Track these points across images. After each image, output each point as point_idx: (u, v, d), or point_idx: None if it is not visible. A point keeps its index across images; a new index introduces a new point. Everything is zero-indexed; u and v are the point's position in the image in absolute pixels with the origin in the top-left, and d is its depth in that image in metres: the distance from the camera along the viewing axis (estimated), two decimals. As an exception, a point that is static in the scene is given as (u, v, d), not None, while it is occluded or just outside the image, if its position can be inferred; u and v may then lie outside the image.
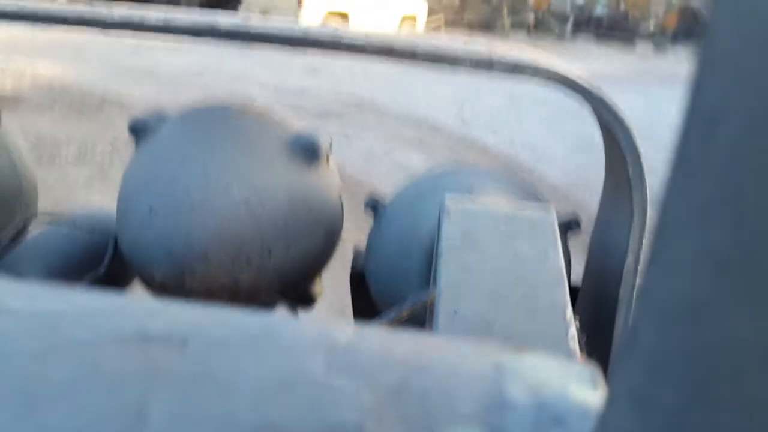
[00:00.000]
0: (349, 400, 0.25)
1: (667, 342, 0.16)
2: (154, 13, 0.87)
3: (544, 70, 0.80)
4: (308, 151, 0.99)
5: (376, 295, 1.03)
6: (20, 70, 6.83)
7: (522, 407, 0.26)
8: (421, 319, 0.74)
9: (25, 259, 1.02)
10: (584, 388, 0.27)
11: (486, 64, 0.80)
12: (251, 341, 0.28)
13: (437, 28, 15.83)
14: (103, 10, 0.87)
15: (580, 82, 0.80)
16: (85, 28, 0.86)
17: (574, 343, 0.52)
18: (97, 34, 0.89)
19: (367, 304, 1.06)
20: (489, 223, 0.67)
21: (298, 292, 1.06)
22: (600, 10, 19.82)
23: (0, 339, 0.28)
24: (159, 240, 0.93)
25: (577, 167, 4.87)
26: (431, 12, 15.89)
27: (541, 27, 18.70)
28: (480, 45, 0.85)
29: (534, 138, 6.08)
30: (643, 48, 17.49)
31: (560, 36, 18.23)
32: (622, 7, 20.00)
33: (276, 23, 0.88)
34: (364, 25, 12.90)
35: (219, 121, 0.99)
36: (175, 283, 0.94)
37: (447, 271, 0.59)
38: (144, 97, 6.22)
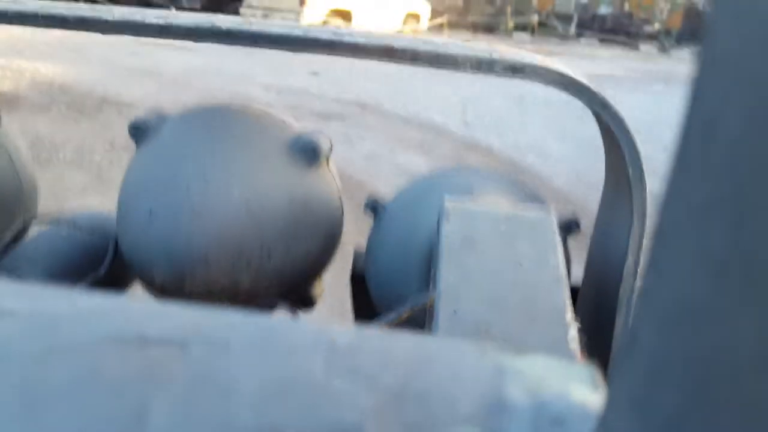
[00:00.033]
0: (349, 401, 0.25)
1: (667, 344, 0.16)
2: (155, 14, 0.87)
3: (544, 71, 0.80)
4: (308, 153, 0.99)
5: (375, 297, 1.03)
6: (20, 69, 6.82)
7: (522, 408, 0.26)
8: (420, 320, 0.74)
9: (25, 261, 1.02)
10: (584, 390, 0.27)
11: (487, 65, 0.80)
12: (251, 343, 0.28)
13: (440, 29, 15.83)
14: (103, 11, 0.87)
15: (580, 82, 0.80)
16: (85, 29, 0.85)
17: (574, 345, 0.52)
18: (97, 34, 0.89)
19: (366, 305, 1.06)
20: (489, 224, 0.67)
21: (298, 294, 1.06)
22: (604, 10, 19.74)
23: None
24: (159, 242, 0.93)
25: (581, 169, 4.87)
26: (434, 13, 15.89)
27: (544, 28, 18.67)
28: (480, 46, 0.85)
29: (538, 140, 6.05)
30: (648, 48, 17.42)
31: (564, 37, 18.19)
32: (626, 7, 19.94)
33: (276, 24, 0.88)
34: (367, 23, 12.84)
35: (219, 123, 0.99)
36: (175, 285, 0.94)
37: (447, 272, 0.59)
38: (144, 97, 6.21)
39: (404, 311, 0.74)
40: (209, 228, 0.92)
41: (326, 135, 1.04)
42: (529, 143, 5.93)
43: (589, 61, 12.66)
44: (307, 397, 0.25)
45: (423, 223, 0.93)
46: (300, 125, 1.06)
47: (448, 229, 0.66)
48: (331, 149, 1.03)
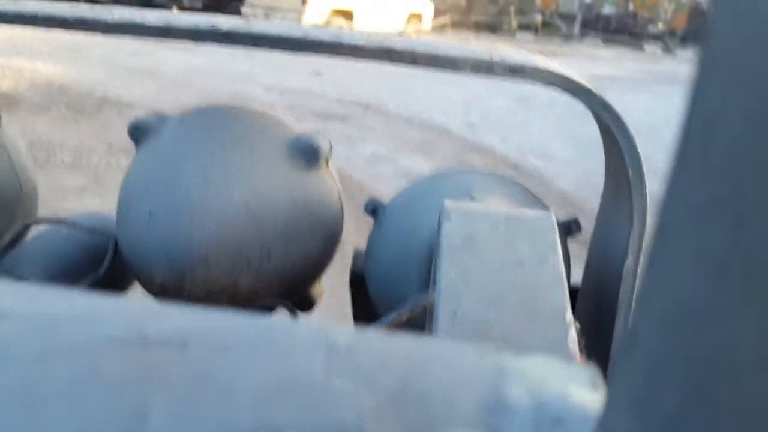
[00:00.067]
0: (348, 402, 0.25)
1: (667, 344, 0.16)
2: (155, 16, 0.87)
3: (544, 72, 0.80)
4: (308, 154, 0.99)
5: (375, 298, 1.03)
6: (19, 69, 6.81)
7: (522, 409, 0.26)
8: (420, 321, 0.74)
9: (24, 261, 1.02)
10: (584, 390, 0.27)
11: (486, 67, 0.80)
12: (251, 344, 0.28)
13: (443, 28, 15.80)
14: (103, 13, 0.87)
15: (580, 84, 0.80)
16: (85, 30, 0.86)
17: (573, 345, 0.52)
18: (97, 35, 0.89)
19: (366, 306, 1.06)
20: (489, 225, 0.67)
21: (297, 295, 1.06)
22: (608, 10, 19.63)
23: None
24: (159, 243, 0.93)
25: (585, 170, 4.85)
26: (437, 12, 15.85)
27: (548, 28, 18.61)
28: (480, 47, 0.85)
29: (541, 141, 6.03)
30: (652, 49, 17.33)
31: (568, 37, 18.13)
32: (631, 7, 19.85)
33: (276, 25, 0.88)
34: (369, 23, 12.80)
35: (219, 124, 0.99)
36: (175, 285, 0.94)
37: (447, 273, 0.59)
38: (144, 98, 6.21)
39: (404, 312, 0.74)
40: (209, 228, 0.92)
41: (326, 136, 1.04)
42: (532, 144, 5.90)
43: (592, 62, 12.62)
44: (306, 397, 0.25)
45: (423, 223, 0.93)
46: (300, 126, 1.06)
47: (448, 230, 0.66)
48: (330, 150, 1.03)
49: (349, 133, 5.70)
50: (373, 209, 1.05)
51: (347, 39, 0.83)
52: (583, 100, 0.80)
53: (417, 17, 14.38)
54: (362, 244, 1.09)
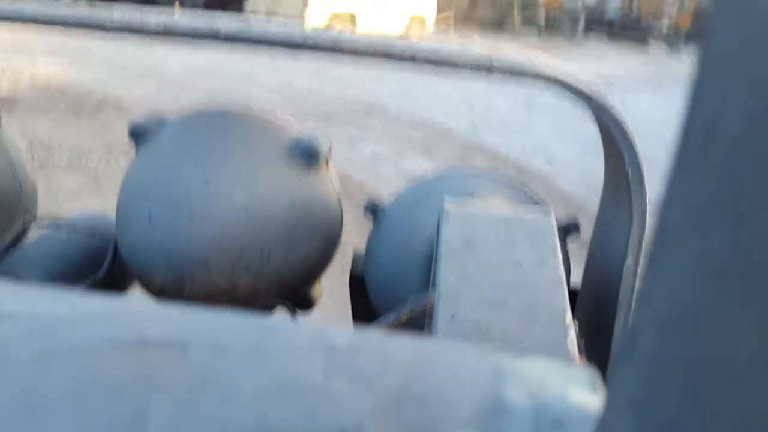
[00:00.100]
0: (348, 403, 0.25)
1: (667, 346, 0.16)
2: (154, 17, 0.87)
3: (543, 74, 0.80)
4: (307, 155, 0.99)
5: (375, 299, 1.03)
6: (19, 69, 6.81)
7: (521, 411, 0.26)
8: (420, 323, 0.74)
9: (24, 263, 1.02)
10: (583, 392, 0.27)
11: (486, 68, 0.80)
12: (250, 345, 0.28)
13: (446, 28, 15.77)
14: (102, 14, 0.87)
15: (579, 84, 0.80)
16: (84, 31, 0.86)
17: (573, 347, 0.52)
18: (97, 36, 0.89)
19: (366, 307, 1.06)
20: (488, 226, 0.67)
21: (297, 296, 1.06)
22: (612, 9, 19.54)
23: None
24: (158, 246, 0.93)
25: (589, 172, 4.82)
26: (440, 10, 15.81)
27: (552, 26, 18.55)
28: (480, 48, 0.85)
29: (545, 142, 5.99)
30: (657, 48, 17.21)
31: (572, 36, 18.03)
32: (635, 6, 19.78)
33: (276, 27, 0.88)
34: (371, 25, 12.78)
35: (218, 126, 0.99)
36: (175, 287, 0.94)
37: (446, 274, 0.59)
38: (145, 98, 6.20)
39: (404, 313, 0.74)
40: (209, 231, 0.92)
41: (325, 137, 1.04)
42: (535, 145, 5.86)
43: (597, 61, 12.56)
44: (306, 399, 0.25)
45: (422, 225, 0.93)
46: (299, 127, 1.06)
47: (447, 231, 0.66)
48: (330, 151, 1.03)
49: (350, 134, 5.69)
50: (373, 210, 1.05)
51: (346, 41, 0.83)
52: (583, 101, 0.80)
53: (419, 20, 14.37)
54: (363, 246, 1.09)
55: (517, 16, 18.11)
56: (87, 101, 5.95)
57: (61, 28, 0.85)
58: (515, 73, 0.80)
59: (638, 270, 0.85)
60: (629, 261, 0.84)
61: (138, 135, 1.01)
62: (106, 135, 4.89)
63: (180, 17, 0.90)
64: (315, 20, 12.00)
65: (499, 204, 0.93)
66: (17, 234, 1.06)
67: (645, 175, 0.82)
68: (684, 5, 18.88)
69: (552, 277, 0.60)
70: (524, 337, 0.53)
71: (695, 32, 17.99)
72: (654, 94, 9.04)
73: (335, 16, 12.52)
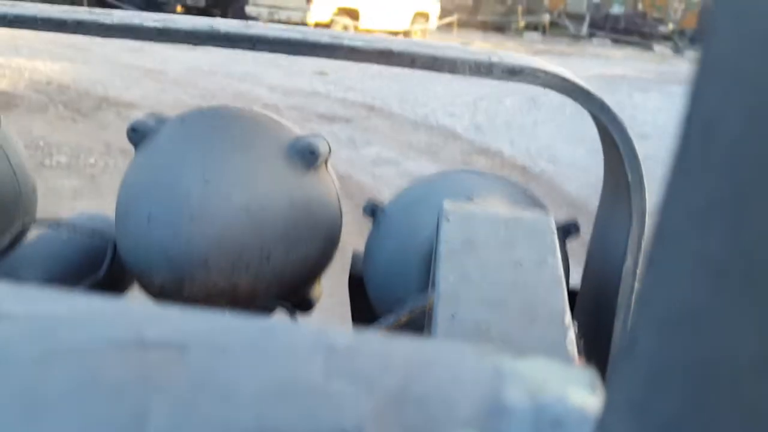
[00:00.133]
0: (348, 404, 0.25)
1: (666, 346, 0.16)
2: (153, 18, 0.87)
3: (542, 74, 0.80)
4: (307, 156, 0.99)
5: (374, 300, 1.03)
6: (18, 68, 6.79)
7: (521, 411, 0.26)
8: (419, 323, 0.74)
9: (24, 263, 1.02)
10: (583, 392, 0.27)
11: (485, 69, 0.80)
12: (250, 346, 0.28)
13: (450, 28, 15.75)
14: (101, 15, 0.87)
15: (578, 85, 0.80)
16: (83, 33, 0.85)
17: (572, 347, 0.52)
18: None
19: (366, 308, 1.06)
20: (488, 227, 0.67)
21: (297, 297, 1.06)
22: (617, 10, 19.37)
23: None
24: (158, 247, 0.93)
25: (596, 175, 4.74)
26: (444, 11, 15.76)
27: (556, 27, 18.48)
28: (479, 49, 0.85)
29: (550, 143, 5.94)
30: (662, 49, 17.10)
31: (576, 37, 17.98)
32: (640, 7, 19.64)
33: (275, 28, 0.88)
34: (374, 21, 12.69)
35: (218, 126, 0.99)
36: (175, 288, 0.94)
37: (446, 275, 0.59)
38: (145, 98, 6.19)
39: (403, 314, 0.74)
40: (208, 231, 0.92)
41: (326, 137, 1.04)
42: (540, 147, 5.81)
43: (601, 62, 12.51)
44: (306, 399, 0.25)
45: (422, 225, 0.93)
46: (298, 128, 1.06)
47: (447, 232, 0.66)
48: (329, 152, 1.03)
49: (353, 135, 5.67)
50: (372, 211, 1.05)
51: (346, 41, 0.83)
52: (581, 101, 0.80)
53: (423, 16, 14.29)
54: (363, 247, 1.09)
55: (521, 18, 18.07)
56: (86, 101, 5.93)
57: (61, 30, 0.85)
58: (515, 73, 0.80)
59: (638, 270, 0.85)
60: (629, 261, 0.85)
61: (137, 135, 1.01)
62: (104, 135, 4.88)
63: (180, 17, 0.90)
64: (318, 16, 11.92)
65: (499, 204, 0.93)
66: (16, 234, 1.06)
67: (644, 175, 0.82)
68: (689, 6, 18.76)
69: (551, 277, 0.60)
70: (524, 337, 0.53)
71: (700, 33, 17.82)
72: (661, 93, 9.02)
73: (339, 12, 12.44)
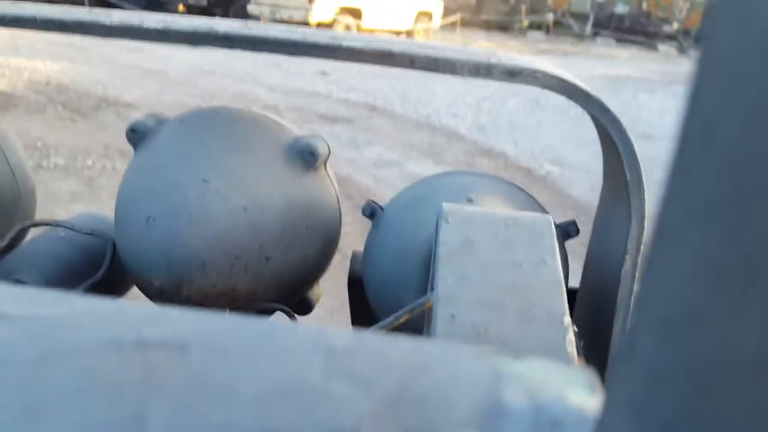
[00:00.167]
0: (347, 405, 0.25)
1: (665, 347, 0.16)
2: (153, 19, 0.87)
3: (541, 75, 0.80)
4: (306, 157, 0.99)
5: (374, 301, 1.03)
6: (17, 68, 6.78)
7: (520, 412, 0.26)
8: (419, 324, 0.74)
9: (23, 264, 1.02)
10: (582, 393, 0.27)
11: (485, 70, 0.80)
12: (249, 347, 0.28)
13: (453, 27, 15.72)
14: (101, 16, 0.87)
15: (578, 86, 0.80)
16: (83, 33, 0.85)
17: (571, 348, 0.52)
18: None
19: (365, 309, 1.06)
20: (487, 228, 0.67)
21: (296, 298, 1.06)
22: (621, 9, 19.20)
23: None
24: (157, 249, 0.93)
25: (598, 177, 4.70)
26: (447, 11, 15.70)
27: (560, 27, 18.41)
28: (479, 49, 0.85)
29: (554, 144, 5.91)
30: (666, 49, 17.04)
31: (580, 36, 17.91)
32: (644, 6, 19.54)
33: (275, 28, 0.88)
34: (377, 21, 12.63)
35: (217, 127, 0.99)
36: (173, 289, 0.94)
37: (445, 276, 0.59)
38: (145, 98, 6.17)
39: (402, 314, 0.74)
40: (208, 235, 0.92)
41: (326, 138, 1.04)
42: (544, 148, 5.76)
43: (605, 62, 12.46)
44: (305, 400, 0.25)
45: (421, 227, 0.93)
46: (298, 129, 1.06)
47: (446, 233, 0.66)
48: (329, 153, 1.03)
49: (354, 135, 5.65)
50: (371, 212, 1.05)
51: (345, 42, 0.83)
52: (581, 102, 0.81)
53: (426, 15, 14.23)
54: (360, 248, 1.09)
55: (524, 18, 18.04)
56: (85, 101, 5.92)
57: (60, 30, 0.85)
58: (514, 74, 0.80)
59: (637, 271, 0.85)
60: (628, 262, 0.85)
61: (136, 136, 1.01)
62: (103, 136, 4.87)
63: (180, 18, 0.90)
64: (320, 15, 11.87)
65: (498, 205, 0.93)
66: (15, 235, 1.06)
67: (643, 176, 0.82)
68: (694, 5, 18.67)
69: (550, 278, 0.60)
70: (523, 338, 0.53)
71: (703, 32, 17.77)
72: (666, 94, 9.00)
73: (341, 11, 12.37)
